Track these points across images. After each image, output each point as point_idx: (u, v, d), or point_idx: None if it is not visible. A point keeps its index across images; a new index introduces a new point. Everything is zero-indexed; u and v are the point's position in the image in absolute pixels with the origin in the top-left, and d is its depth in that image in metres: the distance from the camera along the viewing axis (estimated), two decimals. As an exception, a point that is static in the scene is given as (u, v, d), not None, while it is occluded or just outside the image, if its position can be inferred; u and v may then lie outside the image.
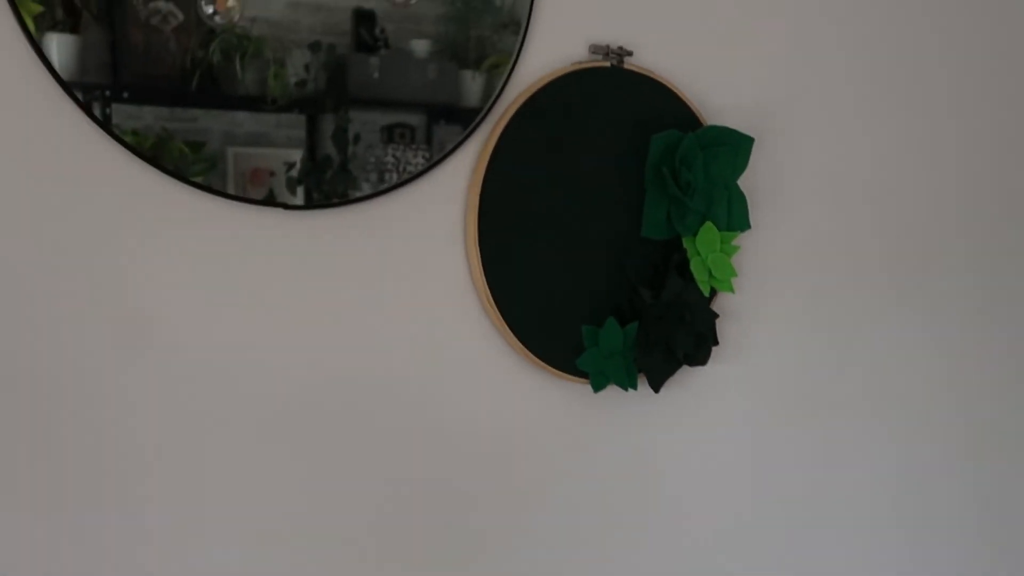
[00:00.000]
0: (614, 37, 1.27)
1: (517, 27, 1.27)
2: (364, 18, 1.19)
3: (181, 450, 1.14)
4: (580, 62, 1.25)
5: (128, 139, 1.07)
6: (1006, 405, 1.64)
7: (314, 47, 1.16)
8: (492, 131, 1.23)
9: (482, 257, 1.20)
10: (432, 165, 1.22)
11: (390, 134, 1.23)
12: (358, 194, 1.19)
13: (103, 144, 1.07)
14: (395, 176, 1.23)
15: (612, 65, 1.25)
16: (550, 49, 1.23)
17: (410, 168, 1.25)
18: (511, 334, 1.23)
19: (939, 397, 1.58)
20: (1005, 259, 1.59)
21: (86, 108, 1.05)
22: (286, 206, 1.15)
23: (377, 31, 1.20)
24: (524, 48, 1.22)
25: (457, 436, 1.26)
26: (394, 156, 1.24)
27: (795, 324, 1.43)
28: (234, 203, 1.13)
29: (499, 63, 1.27)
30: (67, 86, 1.04)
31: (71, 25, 1.04)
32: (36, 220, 1.06)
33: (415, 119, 1.25)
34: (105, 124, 1.06)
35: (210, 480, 1.15)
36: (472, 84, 1.27)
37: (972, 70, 1.54)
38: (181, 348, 1.13)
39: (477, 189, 1.20)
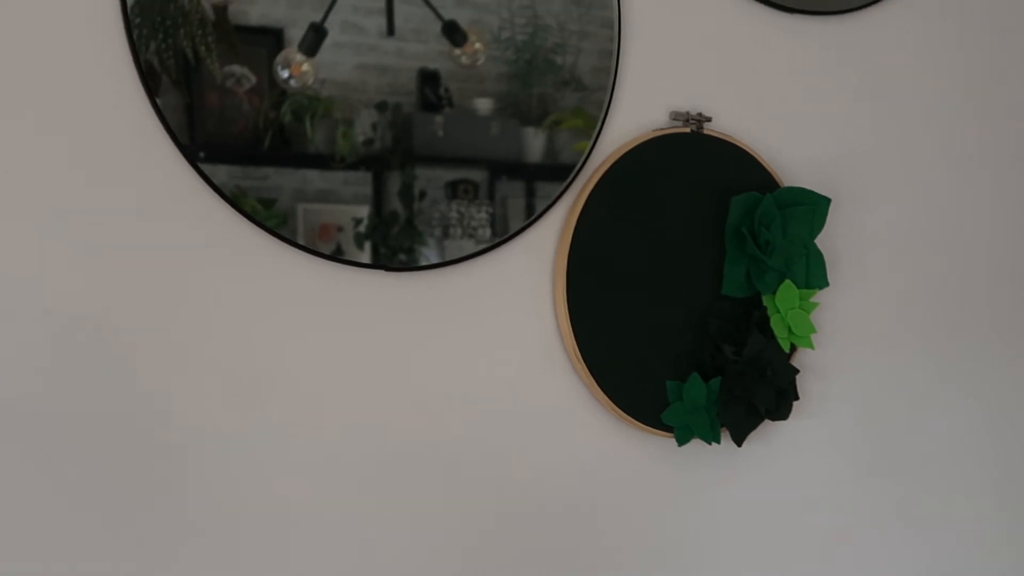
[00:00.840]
0: (693, 104, 1.31)
1: (579, 84, 1.29)
2: (429, 78, 1.22)
3: (292, 500, 1.16)
4: (662, 128, 1.29)
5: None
6: None
7: (381, 107, 1.19)
8: (578, 196, 1.26)
9: (571, 316, 1.23)
10: (521, 229, 1.25)
11: (454, 190, 1.26)
12: (431, 257, 1.22)
13: (224, 211, 1.12)
14: (459, 231, 1.25)
15: (692, 131, 1.29)
16: (633, 116, 1.28)
17: (473, 223, 1.27)
18: (598, 389, 1.25)
19: (1017, 459, 1.55)
20: None
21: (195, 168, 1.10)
22: (387, 268, 1.19)
23: (441, 90, 1.23)
24: (608, 116, 1.27)
25: (545, 489, 1.27)
26: (458, 211, 1.26)
27: (875, 379, 1.44)
28: (339, 266, 1.17)
29: (560, 120, 1.29)
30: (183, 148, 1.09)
31: (152, 89, 1.09)
32: (152, 282, 1.11)
33: (478, 175, 1.27)
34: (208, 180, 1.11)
35: (323, 527, 1.18)
36: (534, 140, 1.29)
37: None
38: (288, 403, 1.16)
39: (565, 250, 1.24)
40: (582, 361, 1.23)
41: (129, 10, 1.07)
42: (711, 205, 1.28)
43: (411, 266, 1.20)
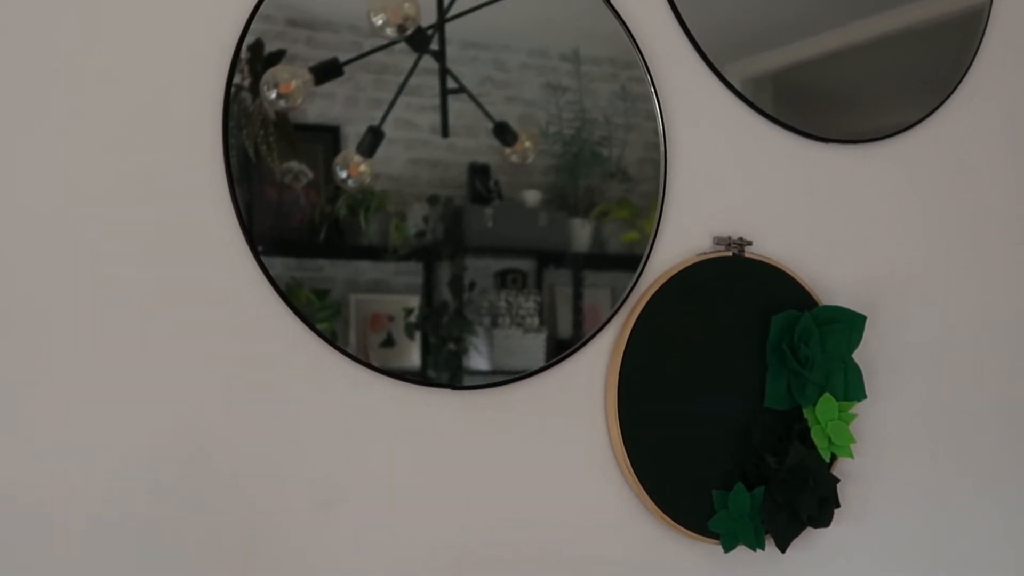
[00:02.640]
0: (734, 229, 1.37)
1: (624, 176, 1.32)
2: (479, 172, 1.26)
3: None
4: (705, 252, 1.35)
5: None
6: None
7: (432, 200, 1.22)
8: (628, 316, 1.30)
9: (622, 429, 1.28)
10: (576, 348, 1.29)
11: (503, 279, 1.28)
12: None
13: (299, 329, 1.16)
14: (507, 319, 1.28)
15: (734, 254, 1.35)
16: (678, 242, 1.34)
17: (521, 311, 1.29)
18: (648, 498, 1.29)
19: None
20: None
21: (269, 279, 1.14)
22: (454, 387, 1.22)
23: (491, 183, 1.26)
24: (656, 242, 1.32)
25: None
26: (506, 300, 1.28)
27: (914, 487, 1.47)
28: (409, 386, 1.20)
29: (607, 211, 1.31)
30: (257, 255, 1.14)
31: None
32: (240, 402, 1.15)
33: (526, 265, 1.30)
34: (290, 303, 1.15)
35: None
36: (581, 231, 1.31)
37: None
38: (361, 512, 1.19)
39: (616, 368, 1.29)
40: (633, 472, 1.28)
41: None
42: (754, 323, 1.34)
43: (470, 385, 1.23)
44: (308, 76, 1.14)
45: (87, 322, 1.08)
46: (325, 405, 1.17)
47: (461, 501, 1.23)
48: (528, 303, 1.29)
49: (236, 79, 1.14)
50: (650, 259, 1.31)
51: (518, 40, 1.28)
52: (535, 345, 1.29)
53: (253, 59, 1.15)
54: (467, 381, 1.25)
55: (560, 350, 1.29)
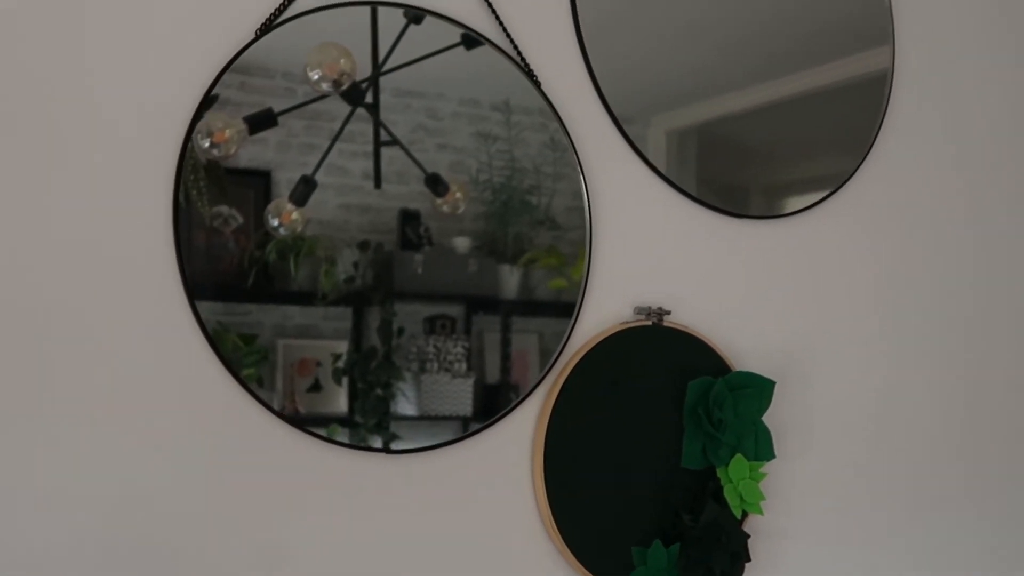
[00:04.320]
0: (654, 299, 1.42)
1: (553, 224, 1.35)
2: (410, 218, 1.27)
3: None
4: (627, 322, 1.39)
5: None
6: None
7: (363, 245, 1.23)
8: (553, 383, 1.34)
9: (548, 491, 1.32)
10: (501, 416, 1.31)
11: (432, 325, 1.29)
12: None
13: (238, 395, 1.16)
14: (435, 365, 1.29)
15: (653, 323, 1.40)
16: (601, 311, 1.38)
17: (449, 357, 1.30)
18: (573, 557, 1.33)
19: None
20: (1005, 492, 1.72)
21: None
22: (387, 451, 1.23)
23: (421, 229, 1.28)
24: (581, 312, 1.36)
25: None
26: (435, 346, 1.29)
27: (821, 541, 1.54)
28: (340, 449, 1.21)
29: (536, 258, 1.34)
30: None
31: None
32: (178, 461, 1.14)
33: (455, 310, 1.31)
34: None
35: None
36: (510, 277, 1.33)
37: (978, 310, 1.70)
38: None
39: (543, 431, 1.32)
40: (558, 531, 1.32)
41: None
42: (672, 388, 1.40)
43: (398, 450, 1.24)
44: (242, 126, 1.14)
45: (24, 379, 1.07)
46: (257, 467, 1.17)
47: (390, 565, 1.24)
48: (456, 348, 1.31)
49: (167, 122, 1.14)
50: (575, 328, 1.35)
51: (451, 89, 1.30)
52: (463, 390, 1.30)
53: (185, 102, 1.15)
54: (394, 427, 1.25)
55: (488, 395, 1.31)
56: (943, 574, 1.64)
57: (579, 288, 1.35)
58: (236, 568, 1.16)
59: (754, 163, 1.54)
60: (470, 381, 1.31)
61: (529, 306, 1.34)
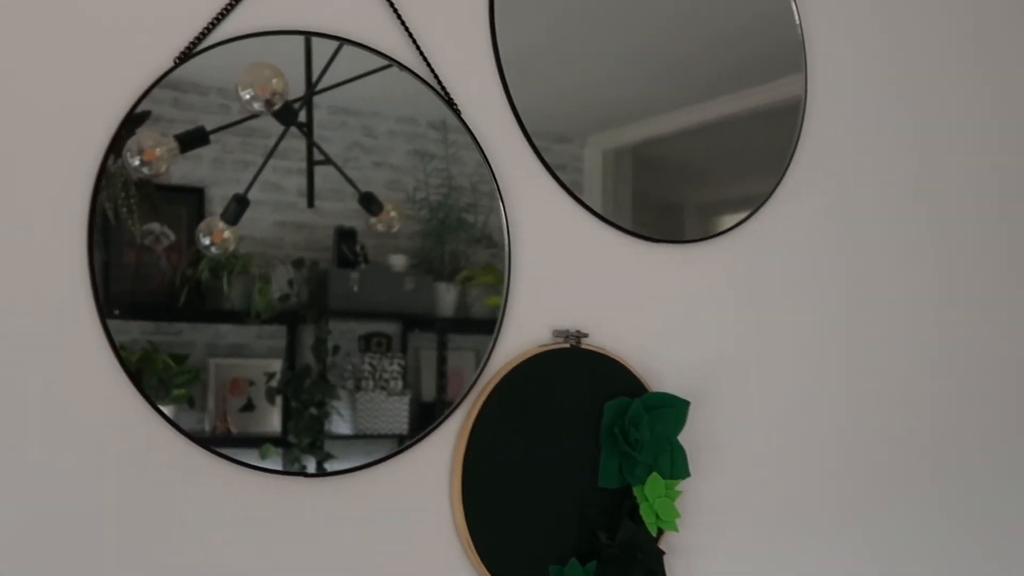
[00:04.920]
0: (572, 323, 1.44)
1: (490, 242, 1.35)
2: (345, 236, 1.27)
3: None
4: (545, 344, 1.41)
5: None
6: None
7: (298, 263, 1.23)
8: (472, 406, 1.34)
9: (466, 511, 1.32)
10: (417, 440, 1.30)
11: (367, 343, 1.29)
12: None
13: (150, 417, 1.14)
14: (371, 383, 1.28)
15: (571, 346, 1.42)
16: (520, 335, 1.40)
17: (385, 375, 1.30)
18: (489, 575, 1.33)
19: None
20: (911, 506, 1.76)
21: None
22: (304, 473, 1.22)
23: (357, 247, 1.27)
24: (499, 335, 1.37)
25: None
26: (371, 364, 1.29)
27: (736, 557, 1.57)
28: (257, 473, 1.19)
29: (472, 276, 1.34)
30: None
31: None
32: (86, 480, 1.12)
33: (391, 328, 1.31)
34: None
35: None
36: (447, 295, 1.34)
37: (885, 329, 1.75)
38: None
39: (461, 454, 1.32)
40: (476, 552, 1.32)
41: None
42: (589, 409, 1.42)
43: (313, 473, 1.22)
44: (173, 144, 1.13)
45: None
46: (170, 494, 1.15)
47: None
48: (392, 366, 1.30)
49: (96, 138, 1.12)
50: (494, 350, 1.36)
51: (387, 107, 1.30)
52: (399, 408, 1.30)
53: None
54: (328, 446, 1.25)
55: (424, 413, 1.31)
56: None
57: (499, 311, 1.36)
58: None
59: (688, 182, 1.57)
60: (406, 399, 1.31)
61: (466, 324, 1.35)
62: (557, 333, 1.42)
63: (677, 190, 1.57)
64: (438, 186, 1.33)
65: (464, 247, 1.35)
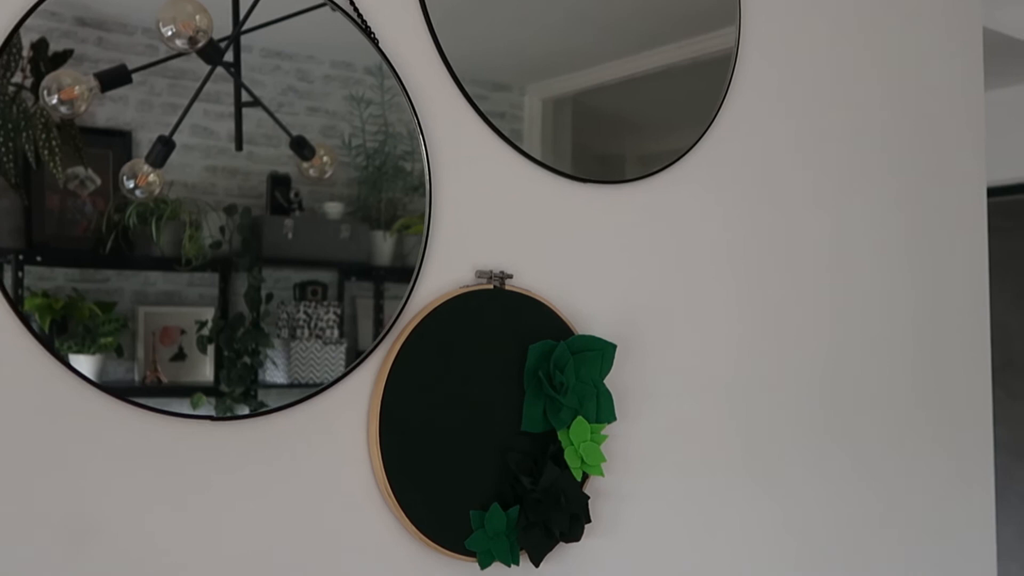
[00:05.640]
0: (496, 263, 1.42)
1: (426, 190, 1.34)
2: (279, 182, 1.25)
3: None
4: (467, 285, 1.38)
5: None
6: (856, 556, 1.81)
7: (230, 210, 1.20)
8: (390, 349, 1.31)
9: (383, 456, 1.29)
10: (337, 380, 1.27)
11: (303, 291, 1.28)
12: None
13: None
14: (306, 332, 1.27)
15: (495, 287, 1.39)
16: (441, 275, 1.37)
17: (321, 324, 1.28)
18: (409, 522, 1.31)
19: (791, 559, 1.72)
20: (845, 453, 1.80)
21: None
22: (212, 418, 1.18)
23: (291, 194, 1.25)
24: (419, 276, 1.34)
25: None
26: (306, 313, 1.28)
27: (661, 501, 1.58)
28: (161, 416, 1.15)
29: (409, 224, 1.33)
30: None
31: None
32: None
33: (327, 277, 1.30)
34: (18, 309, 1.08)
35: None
36: (383, 244, 1.32)
37: (805, 275, 1.76)
38: (108, 558, 1.14)
39: (379, 397, 1.29)
40: (394, 497, 1.30)
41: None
42: (513, 352, 1.39)
43: (222, 416, 1.19)
44: (94, 83, 1.09)
45: None
46: (62, 432, 1.11)
47: (214, 536, 1.20)
48: (328, 315, 1.29)
49: (17, 78, 1.08)
50: (414, 291, 1.33)
51: (322, 52, 1.27)
52: (335, 357, 1.29)
53: (36, 58, 1.09)
54: (263, 395, 1.23)
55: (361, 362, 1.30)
56: (781, 537, 1.71)
57: (419, 250, 1.33)
58: (38, 540, 1.10)
59: (626, 133, 1.56)
60: (342, 348, 1.30)
61: (402, 272, 1.33)
62: (480, 274, 1.39)
63: (616, 141, 1.56)
64: (375, 133, 1.31)
65: (401, 195, 1.33)
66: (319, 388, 1.26)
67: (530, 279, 1.44)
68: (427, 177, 1.34)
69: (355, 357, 1.30)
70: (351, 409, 1.30)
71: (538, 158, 1.45)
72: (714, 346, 1.65)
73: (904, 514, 1.90)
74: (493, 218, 1.42)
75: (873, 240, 1.87)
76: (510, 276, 1.41)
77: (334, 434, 1.28)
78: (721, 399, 1.65)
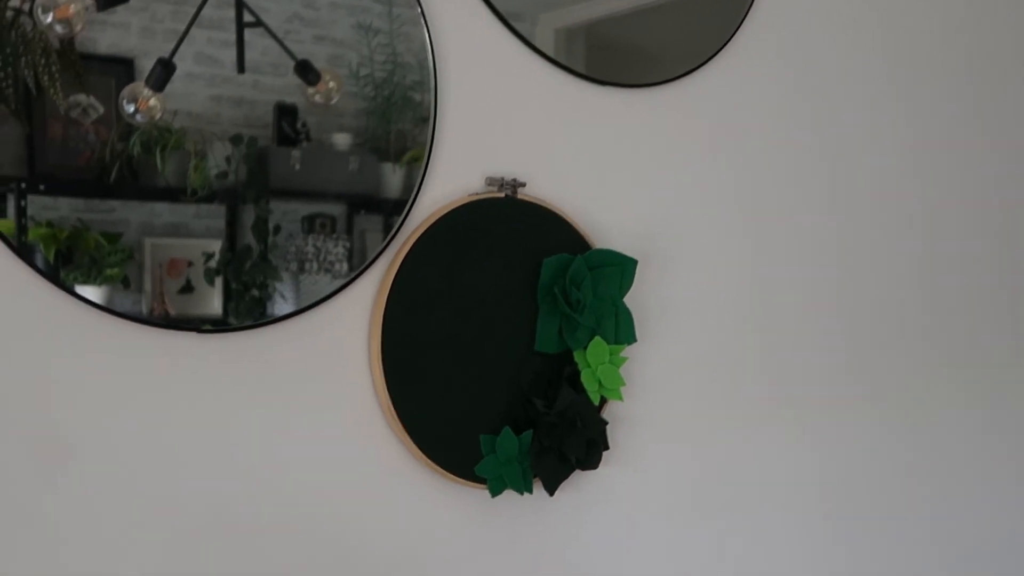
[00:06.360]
0: (508, 170, 1.35)
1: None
2: (286, 112, 1.22)
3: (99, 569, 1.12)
4: (477, 193, 1.32)
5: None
6: (883, 499, 1.74)
7: (236, 140, 1.18)
8: (394, 258, 1.27)
9: (386, 376, 1.25)
10: (336, 291, 1.24)
11: (311, 224, 1.25)
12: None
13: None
14: (315, 265, 1.25)
15: (507, 195, 1.32)
16: (449, 181, 1.30)
17: (330, 257, 1.27)
18: (413, 444, 1.27)
19: (813, 496, 1.65)
20: (871, 369, 1.71)
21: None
22: (199, 329, 1.16)
23: (299, 124, 1.23)
24: (425, 182, 1.28)
25: (365, 546, 1.27)
26: (315, 246, 1.26)
27: (682, 428, 1.50)
28: (151, 329, 1.13)
29: (418, 156, 1.30)
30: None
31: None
32: None
33: (336, 210, 1.28)
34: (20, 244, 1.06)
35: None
36: (392, 176, 1.30)
37: (845, 192, 1.66)
38: (98, 468, 1.12)
39: (381, 311, 1.25)
40: (398, 419, 1.25)
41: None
42: (526, 266, 1.32)
43: (223, 328, 1.17)
44: (89, 1, 1.06)
45: None
46: (51, 351, 1.09)
47: (214, 456, 1.18)
48: (337, 248, 1.27)
49: (15, 2, 1.05)
50: (419, 198, 1.27)
51: (328, -23, 1.24)
52: (344, 291, 1.27)
53: (34, -19, 1.06)
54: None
55: (369, 296, 1.28)
56: (805, 463, 1.64)
57: (425, 152, 1.27)
58: (22, 465, 1.08)
59: (640, 63, 1.52)
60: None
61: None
62: (491, 181, 1.32)
63: (630, 71, 1.52)
64: (383, 62, 1.27)
65: (411, 127, 1.30)
66: (318, 300, 1.22)
67: (544, 188, 1.36)
68: (432, 73, 1.27)
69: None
70: (349, 325, 1.24)
71: (553, 56, 1.37)
72: (743, 264, 1.54)
73: (934, 457, 1.82)
74: (505, 121, 1.34)
75: (927, 135, 1.69)
76: (523, 184, 1.33)
77: (330, 352, 1.23)
78: (748, 321, 1.55)
